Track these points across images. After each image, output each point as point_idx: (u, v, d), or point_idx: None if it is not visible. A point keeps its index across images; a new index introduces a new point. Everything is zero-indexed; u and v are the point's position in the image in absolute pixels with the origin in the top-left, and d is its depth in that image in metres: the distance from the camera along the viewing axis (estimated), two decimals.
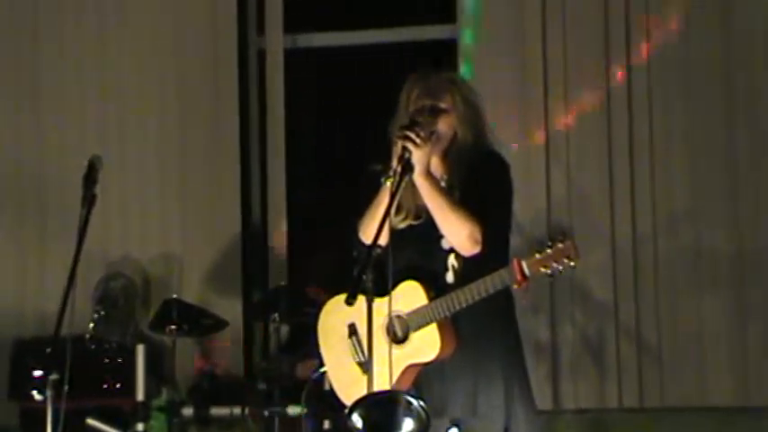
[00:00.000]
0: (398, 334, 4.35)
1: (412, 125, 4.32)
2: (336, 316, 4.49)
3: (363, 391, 4.09)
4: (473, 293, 4.24)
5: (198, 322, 6.86)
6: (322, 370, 5.71)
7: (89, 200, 4.76)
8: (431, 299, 4.31)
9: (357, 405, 4.03)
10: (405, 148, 4.27)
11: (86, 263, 4.98)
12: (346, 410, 4.11)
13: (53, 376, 4.60)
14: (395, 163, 4.28)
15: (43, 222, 7.71)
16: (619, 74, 7.35)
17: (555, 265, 4.18)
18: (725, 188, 7.23)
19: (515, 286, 4.25)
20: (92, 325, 7.13)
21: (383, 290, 4.20)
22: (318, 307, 4.65)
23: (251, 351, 7.68)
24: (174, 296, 6.85)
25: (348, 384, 4.44)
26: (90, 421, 6.73)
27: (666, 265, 7.23)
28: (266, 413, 6.61)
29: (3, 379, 7.32)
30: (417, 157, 4.27)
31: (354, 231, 4.51)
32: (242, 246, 7.69)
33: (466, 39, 7.53)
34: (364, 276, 4.06)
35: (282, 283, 7.12)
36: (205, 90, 7.75)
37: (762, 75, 7.22)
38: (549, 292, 7.20)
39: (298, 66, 7.97)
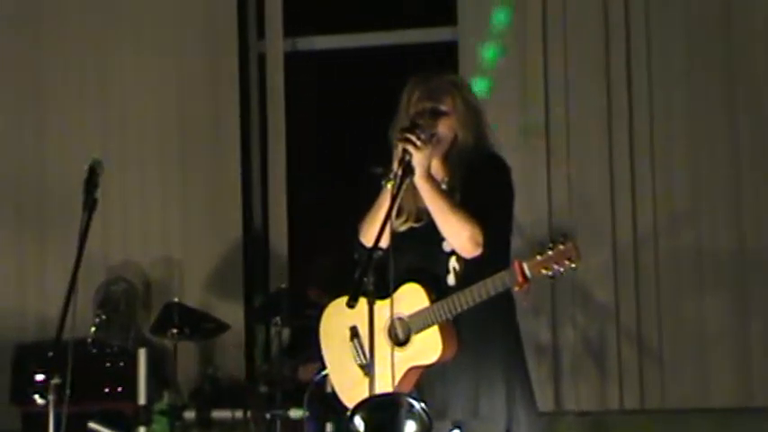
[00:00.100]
0: (400, 336, 4.35)
1: (412, 128, 4.31)
2: (338, 319, 4.49)
3: (365, 394, 4.09)
4: (474, 296, 4.24)
5: (199, 326, 6.87)
6: (324, 373, 5.73)
7: (90, 204, 4.76)
8: (432, 301, 4.31)
9: (359, 408, 4.04)
10: (405, 151, 4.27)
11: (87, 267, 4.99)
12: (348, 413, 4.11)
13: (55, 380, 4.60)
14: (395, 165, 4.28)
15: (44, 227, 7.71)
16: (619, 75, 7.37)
17: (556, 266, 4.18)
18: (726, 189, 7.23)
19: (516, 288, 4.24)
20: (93, 329, 7.14)
21: (384, 292, 4.20)
22: (320, 310, 4.65)
23: (252, 354, 7.69)
24: (176, 300, 6.87)
25: (350, 387, 4.44)
26: (92, 425, 6.73)
27: (667, 266, 7.23)
28: (268, 416, 6.62)
29: (5, 383, 7.31)
30: (418, 159, 4.27)
31: (355, 234, 4.51)
32: (243, 249, 7.69)
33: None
34: (365, 279, 4.06)
35: (283, 286, 7.11)
36: (206, 94, 7.76)
37: (763, 74, 7.23)
38: (551, 293, 7.21)
39: (298, 69, 7.98)
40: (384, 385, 4.16)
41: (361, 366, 4.41)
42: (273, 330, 6.94)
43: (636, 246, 7.27)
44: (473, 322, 4.33)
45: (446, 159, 4.46)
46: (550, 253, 4.19)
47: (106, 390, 7.11)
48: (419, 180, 4.30)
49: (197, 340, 7.29)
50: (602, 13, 7.38)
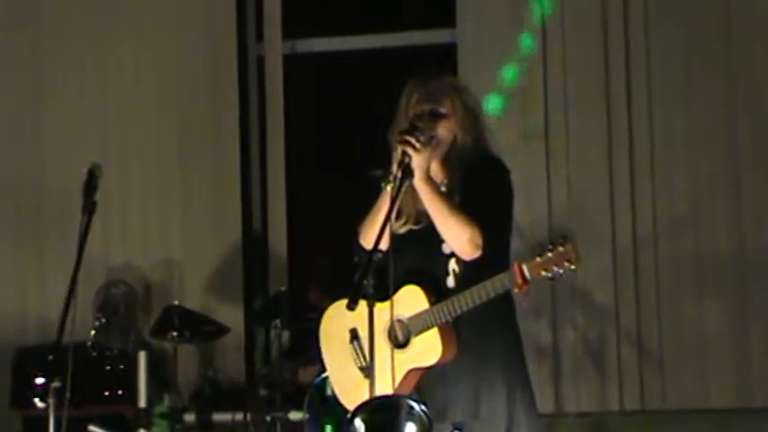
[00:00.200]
0: (400, 338, 4.35)
1: (411, 130, 4.31)
2: (338, 321, 4.49)
3: (365, 396, 4.10)
4: (474, 297, 4.24)
5: (199, 329, 6.87)
6: (324, 375, 5.73)
7: (89, 207, 4.76)
8: (432, 303, 4.30)
9: (359, 410, 4.04)
10: (404, 153, 4.27)
11: (87, 270, 4.99)
12: (348, 415, 4.11)
13: (55, 384, 4.60)
14: (395, 168, 4.28)
15: (44, 230, 7.72)
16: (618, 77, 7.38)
17: (555, 268, 4.18)
18: (725, 190, 7.24)
19: (516, 290, 4.24)
20: (93, 332, 7.15)
21: (384, 295, 4.20)
22: (320, 312, 4.65)
23: (252, 357, 7.69)
24: (176, 303, 6.87)
25: (350, 389, 4.44)
26: (92, 428, 6.74)
27: (667, 267, 7.24)
28: (268, 419, 6.62)
29: (5, 387, 7.32)
30: (417, 161, 4.27)
31: (355, 236, 4.51)
32: (243, 252, 7.69)
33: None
34: (365, 281, 4.06)
35: (283, 289, 7.12)
36: (205, 96, 7.77)
37: (763, 75, 7.24)
38: (551, 295, 7.21)
39: (297, 71, 7.98)
40: (384, 387, 4.16)
41: (362, 368, 4.41)
42: (273, 333, 6.95)
43: (635, 247, 7.27)
44: (473, 324, 4.33)
45: (445, 161, 4.45)
46: (550, 255, 4.19)
47: (106, 393, 7.11)
48: (418, 182, 4.30)
49: (197, 343, 7.29)
50: (601, 13, 7.38)
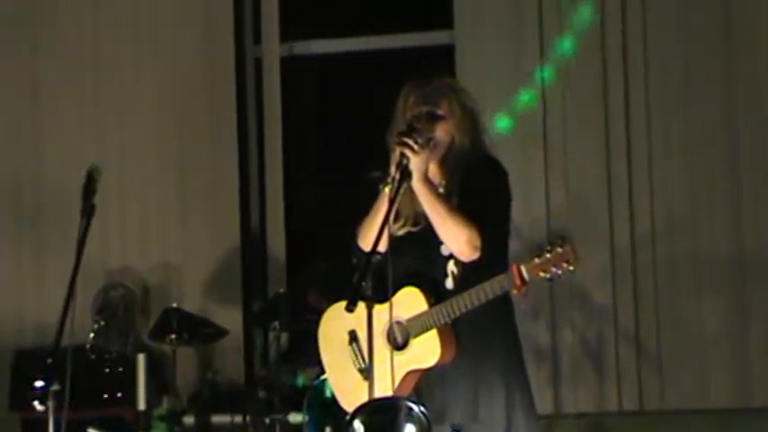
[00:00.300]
0: (399, 340, 4.36)
1: (409, 132, 4.31)
2: (337, 323, 4.49)
3: (364, 398, 4.10)
4: (473, 299, 4.24)
5: (198, 331, 6.87)
6: (323, 377, 5.73)
7: (88, 210, 4.76)
8: (431, 305, 4.31)
9: (358, 411, 4.04)
10: (402, 155, 4.27)
11: (86, 273, 4.99)
12: (347, 417, 4.12)
13: (54, 387, 4.60)
14: (393, 169, 4.28)
15: (42, 233, 7.71)
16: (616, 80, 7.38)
17: (554, 269, 4.18)
18: (723, 190, 7.24)
19: (515, 292, 4.25)
20: (92, 335, 7.15)
21: (383, 296, 4.20)
22: (318, 314, 4.65)
23: (251, 359, 7.69)
24: (174, 305, 6.87)
25: (349, 391, 4.44)
26: (91, 431, 6.73)
27: (665, 267, 7.24)
28: (267, 421, 6.62)
29: (3, 390, 7.32)
30: (415, 163, 4.27)
31: (353, 238, 4.51)
32: (241, 254, 7.70)
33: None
34: (364, 283, 4.06)
35: (281, 291, 7.12)
36: (203, 98, 7.77)
37: (762, 76, 7.23)
38: (549, 296, 7.21)
39: (294, 73, 7.98)
40: (383, 389, 4.16)
41: (360, 370, 4.41)
42: (272, 335, 6.95)
43: (634, 247, 7.28)
44: (472, 325, 4.33)
45: (443, 163, 4.45)
46: (548, 256, 4.19)
47: (105, 395, 7.11)
48: (416, 184, 4.30)
49: (196, 345, 7.29)
50: (599, 13, 7.39)
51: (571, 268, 4.19)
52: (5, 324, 7.66)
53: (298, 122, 8.01)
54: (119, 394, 7.09)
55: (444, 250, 4.37)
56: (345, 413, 4.31)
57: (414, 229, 4.42)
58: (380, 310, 4.20)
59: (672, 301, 7.23)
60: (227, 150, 7.75)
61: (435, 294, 4.32)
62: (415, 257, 4.38)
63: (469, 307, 4.24)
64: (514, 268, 4.20)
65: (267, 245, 7.86)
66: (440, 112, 4.42)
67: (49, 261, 7.57)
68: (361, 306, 4.06)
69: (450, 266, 4.37)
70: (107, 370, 7.18)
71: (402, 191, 4.25)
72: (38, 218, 7.77)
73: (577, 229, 7.18)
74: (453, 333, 4.32)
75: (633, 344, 7.22)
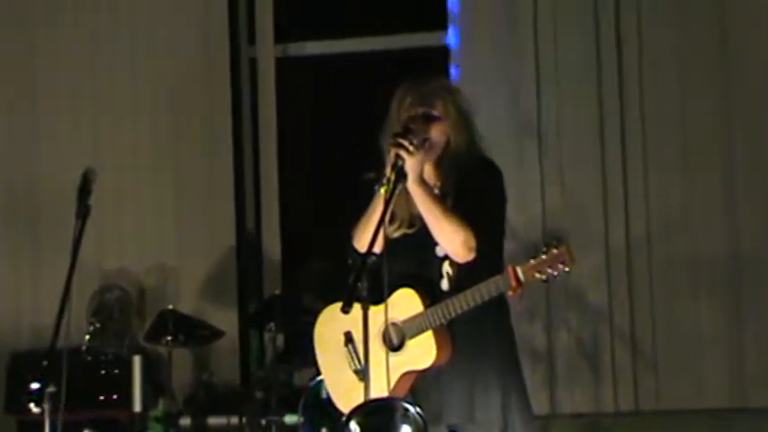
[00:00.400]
0: (394, 341, 4.35)
1: (405, 133, 4.31)
2: (332, 324, 4.49)
3: (360, 399, 4.09)
4: (468, 300, 4.24)
5: (194, 332, 6.88)
6: (319, 378, 5.73)
7: (83, 212, 4.76)
8: (426, 306, 4.31)
9: (354, 412, 4.04)
10: (398, 156, 4.27)
11: (81, 275, 5.00)
12: (344, 418, 4.11)
13: (50, 389, 4.60)
14: (388, 171, 4.28)
15: (38, 235, 7.71)
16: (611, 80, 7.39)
17: (550, 270, 4.18)
18: (719, 191, 7.25)
19: (510, 293, 4.25)
20: (88, 337, 7.14)
21: (379, 298, 4.20)
22: (314, 315, 4.65)
23: (247, 360, 7.69)
24: (170, 307, 6.88)
25: (345, 392, 4.44)
26: None
27: (661, 268, 7.24)
28: (263, 422, 6.62)
29: None
30: (410, 164, 4.27)
31: (349, 240, 4.51)
32: (236, 256, 7.69)
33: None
34: (359, 284, 4.06)
35: (277, 292, 7.12)
36: (198, 100, 7.77)
37: (757, 77, 7.24)
38: (545, 297, 7.21)
39: (289, 74, 7.99)
40: (378, 391, 4.16)
41: (356, 372, 4.41)
42: (268, 336, 6.94)
43: (629, 248, 7.28)
44: (467, 326, 4.33)
45: (438, 164, 4.45)
46: (544, 257, 4.19)
47: (101, 397, 7.10)
48: (412, 185, 4.29)
49: (192, 347, 7.29)
50: (593, 12, 7.40)
51: (567, 269, 4.19)
52: (1, 326, 7.66)
53: (293, 123, 8.01)
54: (114, 396, 7.08)
55: (439, 251, 4.37)
56: (341, 414, 4.31)
57: (409, 231, 4.41)
58: (376, 312, 4.20)
59: (667, 302, 7.24)
60: (223, 151, 7.75)
61: (431, 295, 4.32)
62: (411, 259, 4.38)
63: (465, 308, 4.25)
64: (510, 269, 4.20)
65: (262, 246, 7.86)
66: (435, 112, 4.42)
67: (45, 263, 7.57)
68: (357, 307, 4.06)
69: (446, 267, 4.37)
70: (103, 372, 7.17)
71: (397, 192, 4.25)
72: (34, 219, 7.77)
73: (573, 229, 7.18)
74: (449, 334, 4.32)
75: (629, 344, 7.23)
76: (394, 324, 4.34)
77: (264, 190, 7.87)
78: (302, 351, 6.23)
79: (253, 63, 7.97)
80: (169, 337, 6.70)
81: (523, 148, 7.39)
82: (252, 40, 7.98)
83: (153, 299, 7.59)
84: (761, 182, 7.20)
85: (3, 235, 7.79)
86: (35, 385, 6.87)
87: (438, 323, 4.28)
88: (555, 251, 4.18)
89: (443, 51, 7.63)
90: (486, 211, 4.37)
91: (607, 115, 7.35)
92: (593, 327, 7.28)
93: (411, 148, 4.25)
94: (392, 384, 4.26)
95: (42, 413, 4.61)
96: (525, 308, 6.95)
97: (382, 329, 4.31)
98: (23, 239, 7.79)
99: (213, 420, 7.07)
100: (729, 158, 7.25)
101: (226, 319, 7.39)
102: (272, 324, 6.73)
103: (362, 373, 4.18)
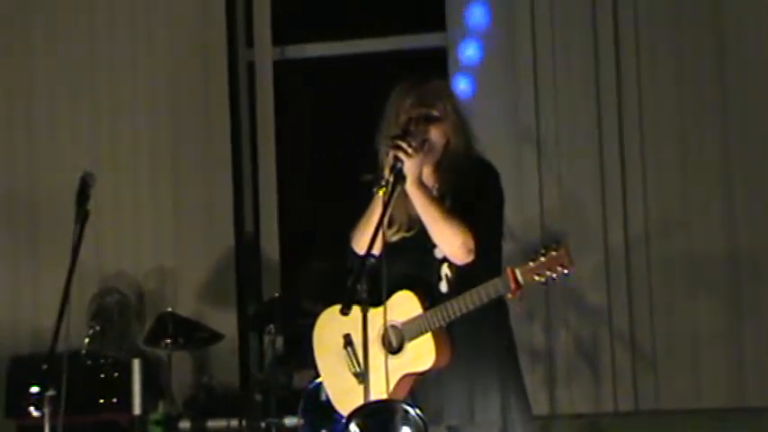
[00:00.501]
0: (393, 344, 4.35)
1: (403, 135, 4.30)
2: (331, 326, 4.48)
3: (360, 401, 4.09)
4: (467, 303, 4.24)
5: (193, 335, 6.87)
6: (318, 380, 5.73)
7: (82, 216, 4.76)
8: (425, 308, 4.30)
9: (354, 414, 4.04)
10: (396, 158, 4.26)
11: (81, 278, 5.01)
12: (344, 420, 4.12)
13: (50, 393, 4.60)
14: (387, 173, 4.27)
15: (37, 239, 7.71)
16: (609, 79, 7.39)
17: (549, 273, 4.18)
18: (717, 191, 7.25)
19: (509, 296, 4.25)
20: (87, 340, 7.14)
21: (378, 300, 4.20)
22: (313, 318, 4.65)
23: (247, 363, 7.69)
24: (169, 310, 6.87)
25: (344, 395, 4.43)
26: None
27: (659, 268, 7.25)
28: (263, 424, 6.62)
29: None
30: (409, 166, 4.26)
31: (348, 242, 4.51)
32: (235, 258, 7.69)
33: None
34: (358, 286, 4.06)
35: (276, 294, 7.12)
36: (196, 102, 7.77)
37: (754, 77, 7.24)
38: (544, 297, 7.21)
39: (287, 77, 7.99)
40: (378, 393, 4.16)
41: (355, 374, 4.41)
42: (267, 338, 6.94)
43: (627, 248, 7.28)
44: (466, 328, 4.32)
45: (437, 166, 4.44)
46: (543, 260, 4.19)
47: (101, 401, 7.10)
48: (410, 187, 4.29)
49: (191, 350, 7.29)
50: (590, 14, 7.40)
51: (566, 272, 4.18)
52: (1, 330, 7.66)
53: (291, 125, 8.01)
54: (114, 399, 7.08)
55: (438, 253, 4.37)
56: (341, 416, 4.31)
57: (407, 235, 4.41)
58: (375, 314, 4.19)
59: (666, 302, 7.24)
60: (221, 154, 7.75)
61: (430, 298, 4.32)
62: (409, 262, 4.37)
63: (464, 311, 4.24)
64: (509, 272, 4.20)
65: (261, 248, 7.86)
66: (435, 113, 4.41)
67: (44, 267, 7.57)
68: (356, 310, 4.05)
69: (444, 269, 4.37)
70: (102, 375, 7.17)
71: (396, 194, 4.25)
72: (33, 223, 7.77)
73: (571, 229, 7.19)
74: (448, 336, 4.32)
75: (628, 344, 7.23)
76: (393, 326, 4.33)
77: (263, 192, 7.87)
78: (301, 353, 6.23)
79: (251, 65, 7.97)
80: (168, 340, 6.69)
81: (521, 149, 7.38)
82: (250, 42, 7.98)
83: (152, 302, 7.60)
84: (759, 182, 7.20)
85: (2, 239, 7.78)
86: (35, 389, 6.85)
87: (437, 325, 4.28)
88: (554, 254, 4.18)
89: (442, 52, 7.63)
90: (485, 212, 4.37)
91: (605, 116, 7.35)
92: (592, 327, 7.28)
93: (410, 149, 4.25)
94: (391, 387, 4.25)
95: (42, 417, 4.61)
96: (524, 310, 6.94)
97: (381, 332, 4.31)
98: (23, 244, 7.78)
99: (213, 423, 7.07)
100: (727, 158, 7.25)
101: (225, 322, 7.38)
102: (271, 326, 6.73)
103: (361, 376, 4.18)
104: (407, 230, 4.41)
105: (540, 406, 6.96)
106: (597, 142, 7.35)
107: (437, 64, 7.44)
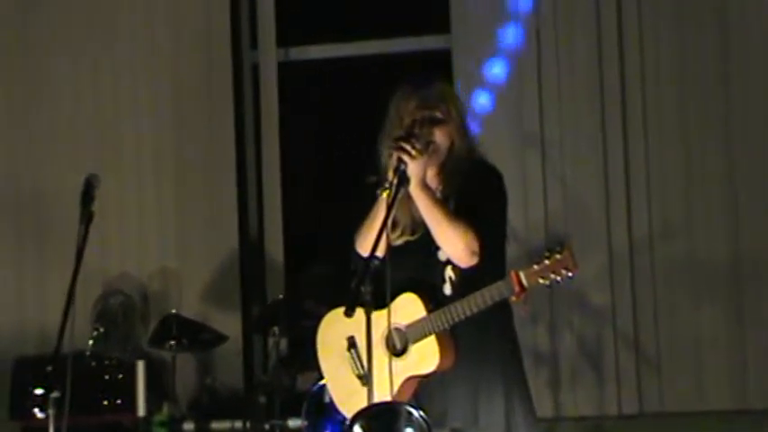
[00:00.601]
0: (397, 346, 4.35)
1: (407, 136, 4.30)
2: (335, 329, 4.48)
3: (363, 404, 4.09)
4: (471, 305, 4.24)
5: (197, 337, 6.88)
6: (321, 382, 5.73)
7: (87, 217, 4.76)
8: (429, 311, 4.30)
9: (358, 417, 4.04)
10: (400, 160, 4.26)
11: (85, 280, 4.99)
12: (347, 422, 4.12)
13: (54, 394, 4.60)
14: (390, 175, 4.27)
15: (42, 241, 7.71)
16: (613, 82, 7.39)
17: (553, 275, 4.17)
18: (721, 194, 7.25)
19: (513, 298, 4.24)
20: (91, 342, 7.14)
21: (382, 302, 4.20)
22: (317, 320, 4.65)
23: (251, 365, 7.69)
24: (173, 311, 6.87)
25: (348, 397, 4.44)
26: None
27: (663, 270, 7.24)
28: (267, 426, 6.62)
29: (4, 398, 7.31)
30: (413, 168, 4.26)
31: (352, 244, 4.51)
32: (240, 260, 7.70)
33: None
34: (362, 289, 4.06)
35: (280, 296, 7.12)
36: (200, 104, 7.78)
37: (758, 80, 7.24)
38: (548, 300, 7.21)
39: (291, 79, 7.99)
40: (382, 396, 4.16)
41: (359, 376, 4.41)
42: (271, 340, 6.94)
43: (632, 250, 7.28)
44: (470, 330, 4.32)
45: (441, 168, 4.44)
46: (547, 262, 4.18)
47: (105, 402, 7.10)
48: (414, 189, 4.28)
49: (195, 351, 7.30)
50: (595, 17, 7.40)
51: (570, 275, 4.18)
52: (5, 332, 7.66)
53: (295, 127, 8.01)
54: (118, 401, 7.08)
55: (441, 256, 4.37)
56: (345, 418, 4.31)
57: (411, 238, 4.41)
58: (379, 317, 4.18)
59: (670, 304, 7.24)
60: (225, 156, 7.75)
61: (434, 300, 4.31)
62: (413, 264, 4.37)
63: (468, 314, 4.24)
64: (513, 275, 4.20)
65: (265, 250, 7.86)
66: (439, 115, 4.41)
67: (49, 269, 7.57)
68: (360, 312, 4.05)
69: (448, 272, 4.37)
70: (107, 377, 7.17)
71: (400, 196, 4.24)
72: (37, 225, 7.77)
73: (575, 232, 7.19)
74: (452, 339, 4.32)
75: (632, 347, 7.23)
76: (397, 329, 4.33)
77: (267, 194, 7.87)
78: (305, 355, 6.23)
79: (255, 67, 7.98)
80: (173, 342, 6.70)
81: (526, 152, 7.38)
82: (254, 44, 7.98)
83: (156, 303, 7.60)
84: (762, 186, 7.20)
85: (7, 241, 7.79)
86: (39, 391, 6.85)
87: (441, 328, 4.28)
88: (558, 257, 4.17)
89: (446, 55, 7.63)
90: (489, 215, 4.37)
91: (609, 119, 7.35)
92: (596, 329, 7.28)
93: (413, 152, 4.24)
94: (395, 389, 4.25)
95: (47, 419, 4.61)
96: (529, 313, 6.94)
97: (385, 334, 4.31)
98: (27, 245, 7.79)
99: (217, 425, 7.07)
100: (731, 162, 7.25)
101: (229, 324, 7.38)
102: (275, 328, 6.73)
103: (365, 378, 4.18)
104: (411, 234, 4.41)
105: (544, 408, 6.96)
106: (601, 145, 7.35)
107: (443, 67, 7.44)
